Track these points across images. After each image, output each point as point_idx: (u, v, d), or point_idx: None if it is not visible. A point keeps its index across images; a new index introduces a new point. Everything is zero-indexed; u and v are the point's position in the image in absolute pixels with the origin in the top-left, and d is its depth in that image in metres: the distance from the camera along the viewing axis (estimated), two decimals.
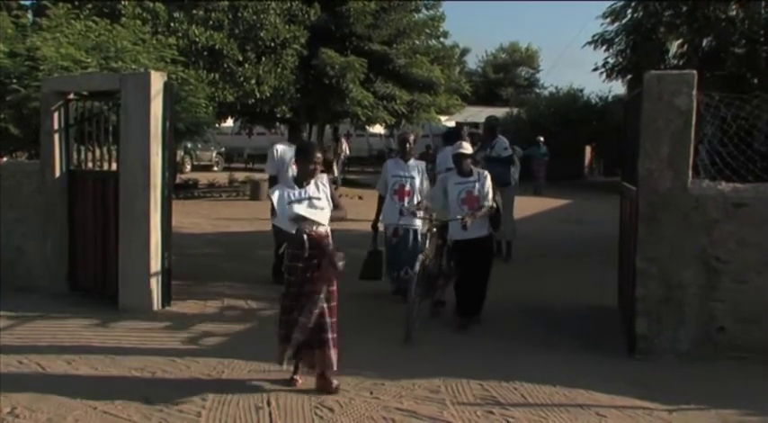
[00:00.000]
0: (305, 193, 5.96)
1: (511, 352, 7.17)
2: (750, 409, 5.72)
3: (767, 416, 5.62)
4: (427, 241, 8.20)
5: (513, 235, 12.20)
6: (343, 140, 30.03)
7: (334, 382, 5.97)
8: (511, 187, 11.97)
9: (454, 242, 8.11)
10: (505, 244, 12.18)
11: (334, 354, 5.95)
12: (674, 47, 18.61)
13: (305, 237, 5.78)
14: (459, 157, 8.07)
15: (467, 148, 8.20)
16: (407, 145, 9.46)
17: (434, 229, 8.21)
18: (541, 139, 27.92)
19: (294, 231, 5.79)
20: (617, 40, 19.48)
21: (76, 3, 16.17)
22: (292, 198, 5.90)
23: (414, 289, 7.41)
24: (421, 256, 7.73)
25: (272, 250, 9.90)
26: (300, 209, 5.84)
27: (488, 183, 7.97)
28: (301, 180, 6.02)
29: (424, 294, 7.88)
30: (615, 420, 5.51)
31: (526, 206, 13.07)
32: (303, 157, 6.01)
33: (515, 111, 36.17)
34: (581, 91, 36.34)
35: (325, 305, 5.93)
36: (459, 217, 7.72)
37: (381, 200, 9.39)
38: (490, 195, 7.94)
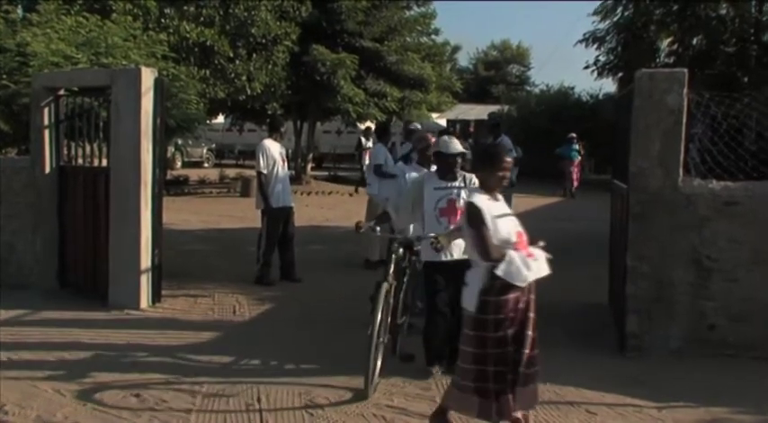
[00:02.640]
0: (500, 207, 4.88)
1: None
2: (740, 406, 5.74)
3: (757, 413, 5.64)
4: (391, 265, 6.23)
5: None
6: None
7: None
8: (511, 188, 12.04)
9: (425, 265, 6.34)
10: None
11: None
12: (664, 45, 18.65)
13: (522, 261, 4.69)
14: (444, 158, 6.32)
15: (457, 145, 6.34)
16: (428, 149, 7.23)
17: (398, 248, 6.31)
18: (574, 135, 26.73)
19: (493, 254, 4.64)
20: (608, 38, 19.47)
21: None
22: (495, 213, 4.77)
23: (376, 329, 5.78)
24: (385, 285, 5.96)
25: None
26: (507, 227, 4.78)
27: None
28: (487, 191, 4.89)
29: (384, 335, 6.13)
30: (605, 417, 5.53)
31: (521, 205, 13.06)
32: (490, 162, 4.89)
33: (506, 108, 36.15)
34: (572, 89, 36.36)
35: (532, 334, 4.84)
36: (431, 235, 5.84)
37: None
38: None
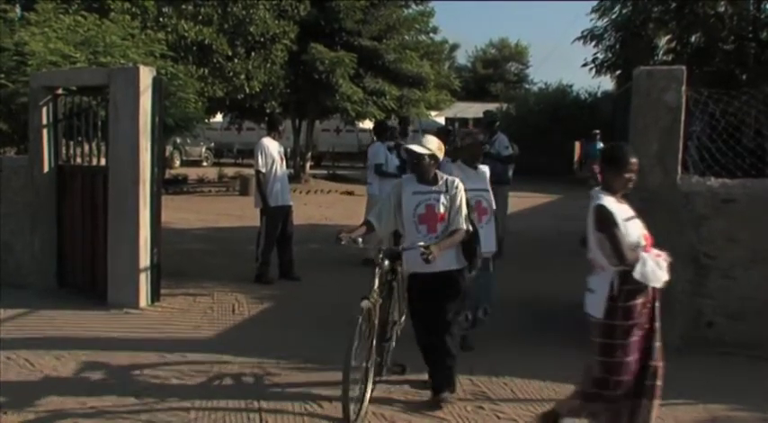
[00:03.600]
0: (627, 210, 4.73)
1: (500, 347, 7.18)
2: (738, 403, 5.76)
3: (754, 410, 5.66)
4: (375, 279, 5.56)
5: (503, 233, 12.18)
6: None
7: None
8: (506, 186, 12.03)
9: (410, 277, 5.80)
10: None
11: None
12: (663, 43, 18.66)
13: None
14: (414, 157, 5.68)
15: (427, 144, 5.67)
16: (474, 146, 7.01)
17: (383, 260, 5.65)
18: (597, 132, 25.91)
19: (629, 257, 4.46)
20: (606, 35, 19.47)
21: None
22: (623, 215, 4.64)
23: (353, 352, 5.14)
24: (365, 304, 5.31)
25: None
26: (636, 230, 4.65)
27: (461, 196, 5.61)
28: (613, 193, 4.70)
29: (369, 358, 5.53)
30: None
31: (515, 203, 13.07)
32: (615, 164, 4.68)
33: (505, 106, 36.13)
34: (570, 87, 36.34)
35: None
36: (420, 245, 5.38)
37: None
38: (463, 213, 5.58)
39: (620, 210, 4.63)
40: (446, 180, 5.66)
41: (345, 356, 5.08)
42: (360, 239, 5.73)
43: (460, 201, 5.57)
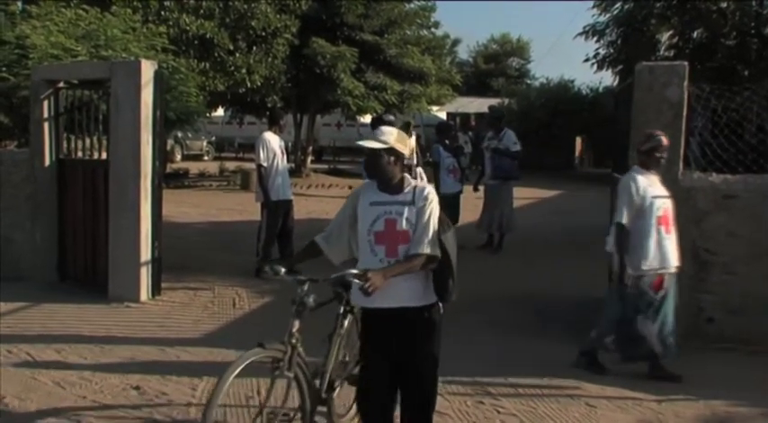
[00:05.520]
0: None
1: (501, 342, 7.19)
2: (738, 399, 5.76)
3: (755, 406, 5.66)
4: (295, 320, 4.42)
5: (510, 228, 12.17)
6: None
7: None
8: (513, 181, 12.13)
9: (362, 312, 4.49)
10: (498, 236, 12.21)
11: None
12: (664, 38, 18.65)
13: None
14: (368, 155, 4.24)
15: (382, 136, 4.19)
16: (660, 149, 6.17)
17: (305, 293, 4.47)
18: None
19: None
20: (608, 31, 19.48)
21: None
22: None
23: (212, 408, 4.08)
24: (253, 353, 4.29)
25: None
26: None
27: (431, 210, 4.14)
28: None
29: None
30: (605, 410, 5.54)
31: (517, 197, 13.06)
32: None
33: (506, 101, 36.09)
34: (572, 82, 36.29)
35: None
36: (353, 272, 4.16)
37: (624, 233, 6.06)
38: (430, 233, 4.11)
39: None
40: (414, 188, 4.21)
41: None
42: (282, 270, 4.52)
43: (429, 216, 4.12)
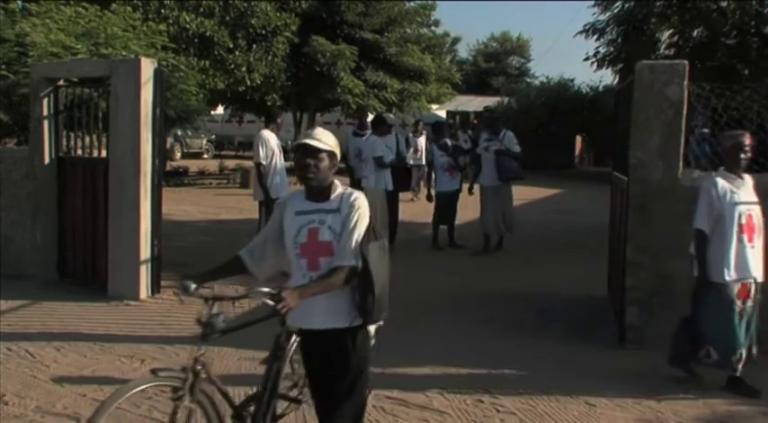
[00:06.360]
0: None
1: (500, 341, 7.19)
2: (738, 398, 5.76)
3: (755, 405, 5.66)
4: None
5: (513, 227, 12.09)
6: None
7: None
8: (519, 181, 12.14)
9: (298, 334, 4.00)
10: (499, 236, 12.14)
11: None
12: (665, 37, 18.66)
13: None
14: (308, 155, 3.71)
15: (322, 137, 3.76)
16: (742, 149, 5.85)
17: (211, 318, 4.02)
18: (706, 131, 24.49)
19: None
20: (608, 29, 19.49)
21: None
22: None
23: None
24: (140, 380, 4.19)
25: None
26: None
27: (358, 217, 3.69)
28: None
29: None
30: (604, 409, 5.53)
31: (517, 196, 13.05)
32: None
33: (506, 100, 36.09)
34: (572, 81, 36.24)
35: None
36: (263, 290, 3.73)
37: (703, 239, 5.81)
38: (354, 242, 3.65)
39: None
40: (342, 194, 3.77)
41: None
42: (192, 286, 4.05)
43: (355, 224, 3.67)
